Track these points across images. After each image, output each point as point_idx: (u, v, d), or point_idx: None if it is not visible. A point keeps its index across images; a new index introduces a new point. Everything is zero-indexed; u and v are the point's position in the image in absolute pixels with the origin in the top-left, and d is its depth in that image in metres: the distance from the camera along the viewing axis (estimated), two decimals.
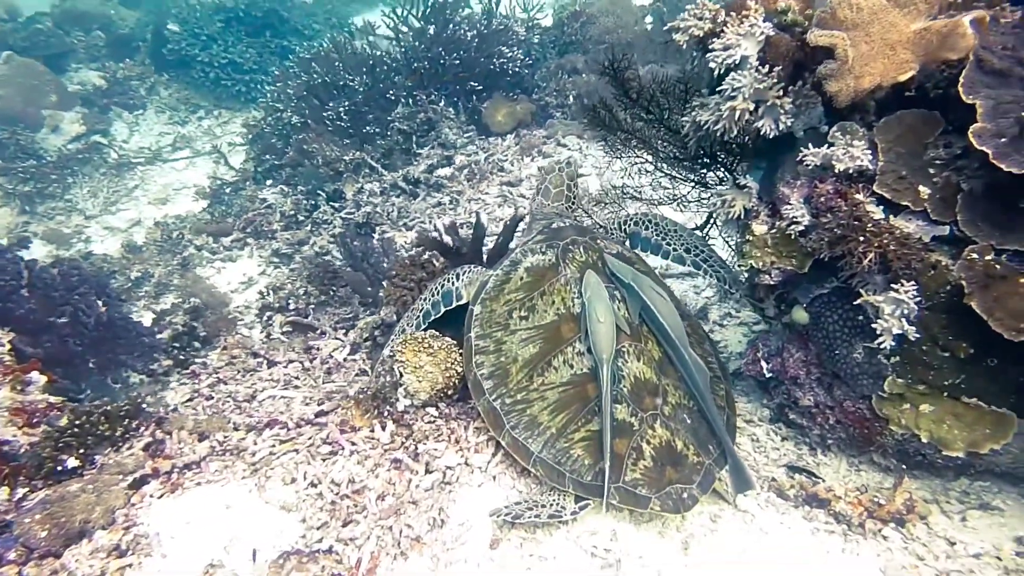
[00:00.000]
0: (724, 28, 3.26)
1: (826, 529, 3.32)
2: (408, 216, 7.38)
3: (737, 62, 3.17)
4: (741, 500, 3.53)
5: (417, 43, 8.96)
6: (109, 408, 3.55)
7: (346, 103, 8.47)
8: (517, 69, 9.09)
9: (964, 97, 2.81)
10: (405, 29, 9.15)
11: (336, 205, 7.80)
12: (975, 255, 2.77)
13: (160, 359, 4.84)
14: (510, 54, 9.01)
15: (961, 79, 2.85)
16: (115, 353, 4.66)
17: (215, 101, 11.75)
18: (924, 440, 3.12)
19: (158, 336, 5.03)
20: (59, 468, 3.33)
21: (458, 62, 8.74)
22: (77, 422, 3.44)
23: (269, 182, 8.80)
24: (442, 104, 8.60)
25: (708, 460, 3.31)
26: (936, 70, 3.06)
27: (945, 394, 3.07)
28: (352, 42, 9.49)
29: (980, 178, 2.87)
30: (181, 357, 4.96)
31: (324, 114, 8.49)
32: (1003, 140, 2.66)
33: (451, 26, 8.94)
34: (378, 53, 9.15)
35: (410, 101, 8.51)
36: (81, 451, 3.39)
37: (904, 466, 3.41)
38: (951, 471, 3.38)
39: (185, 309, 5.62)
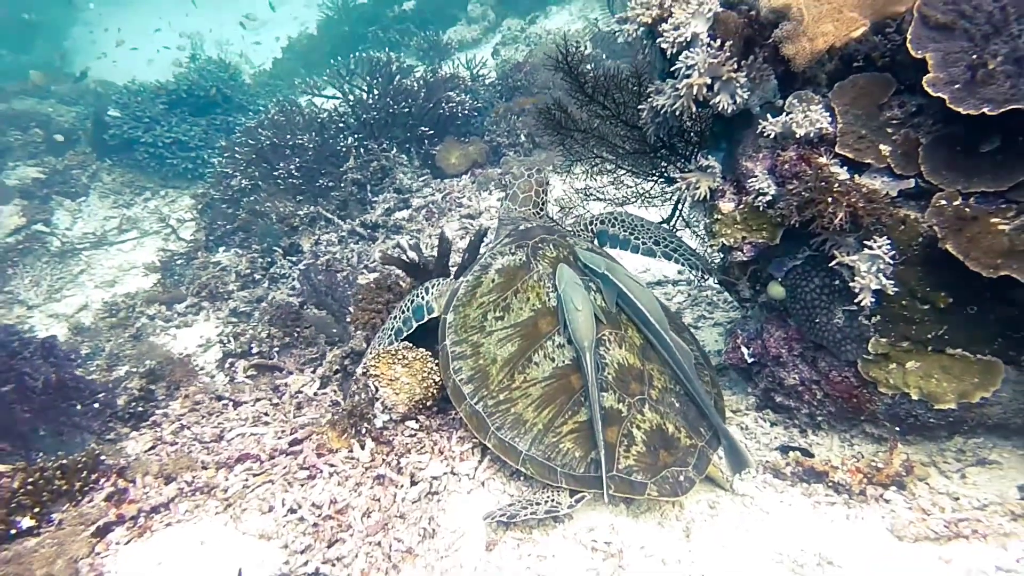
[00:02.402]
0: (671, 12, 3.28)
1: (827, 501, 3.25)
2: (369, 259, 7.28)
3: (689, 40, 3.18)
4: (738, 484, 3.44)
5: (365, 96, 9.08)
6: (65, 462, 3.31)
7: (297, 161, 8.49)
8: (466, 113, 9.32)
9: (913, 52, 2.85)
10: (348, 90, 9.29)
11: (294, 259, 7.68)
12: (943, 201, 2.78)
13: (116, 427, 4.53)
14: (458, 99, 9.25)
15: (908, 35, 2.89)
16: (68, 416, 4.38)
17: (161, 181, 11.61)
18: (914, 397, 3.09)
19: (116, 392, 4.75)
20: (12, 531, 3.07)
21: (407, 110, 8.89)
22: (30, 480, 3.19)
23: (222, 248, 8.64)
24: (394, 152, 8.67)
25: (701, 442, 3.22)
26: (879, 42, 3.11)
27: (930, 348, 3.06)
28: (298, 104, 9.58)
29: (938, 131, 2.91)
30: (140, 409, 4.67)
31: (275, 174, 8.48)
32: (956, 86, 2.70)
33: (397, 78, 9.11)
34: (325, 113, 9.26)
35: (361, 151, 8.53)
36: (36, 510, 3.13)
37: (897, 428, 3.36)
38: (944, 430, 3.33)
39: (140, 373, 5.28)
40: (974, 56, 2.68)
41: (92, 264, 9.68)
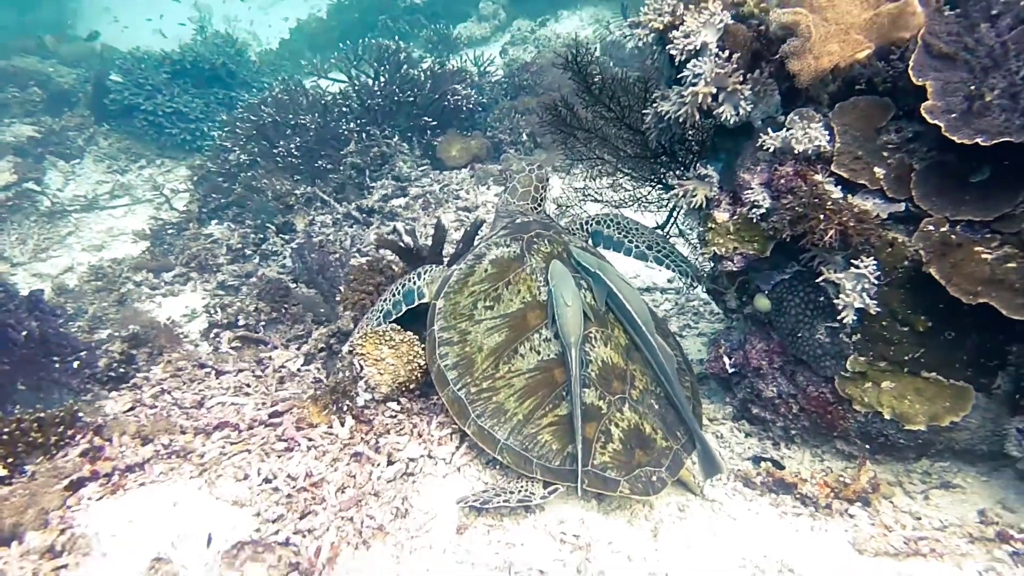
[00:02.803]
0: (683, 20, 3.34)
1: (794, 512, 3.31)
2: (362, 243, 7.28)
3: (697, 49, 3.24)
4: (709, 490, 3.50)
5: (371, 82, 9.09)
6: (43, 415, 3.30)
7: (298, 140, 8.47)
8: (470, 107, 9.35)
9: (914, 79, 2.92)
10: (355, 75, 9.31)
11: (286, 237, 7.67)
12: (931, 227, 2.85)
13: (94, 388, 4.51)
14: (464, 92, 9.27)
15: (911, 62, 2.96)
16: (48, 372, 4.35)
17: (158, 150, 11.54)
18: (887, 416, 3.15)
19: (97, 353, 4.72)
20: None
21: (412, 99, 8.90)
22: (6, 430, 3.18)
23: (215, 222, 8.60)
24: (396, 140, 8.68)
25: (676, 445, 3.27)
26: (882, 68, 3.19)
27: (906, 370, 3.13)
28: (303, 85, 9.58)
29: (931, 158, 2.98)
30: (121, 371, 4.65)
31: (275, 151, 8.47)
32: (953, 115, 2.77)
33: (404, 67, 9.13)
34: (330, 95, 9.28)
35: (363, 137, 8.53)
36: (9, 460, 3.11)
37: (868, 447, 3.43)
38: (912, 451, 3.41)
39: (123, 337, 5.26)
40: (972, 87, 2.75)
41: (81, 227, 9.59)
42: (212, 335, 5.16)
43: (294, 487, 3.07)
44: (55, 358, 4.14)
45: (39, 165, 10.76)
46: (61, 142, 11.27)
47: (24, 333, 4.06)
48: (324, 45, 16.79)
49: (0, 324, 4.03)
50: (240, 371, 4.25)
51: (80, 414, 3.39)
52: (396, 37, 11.35)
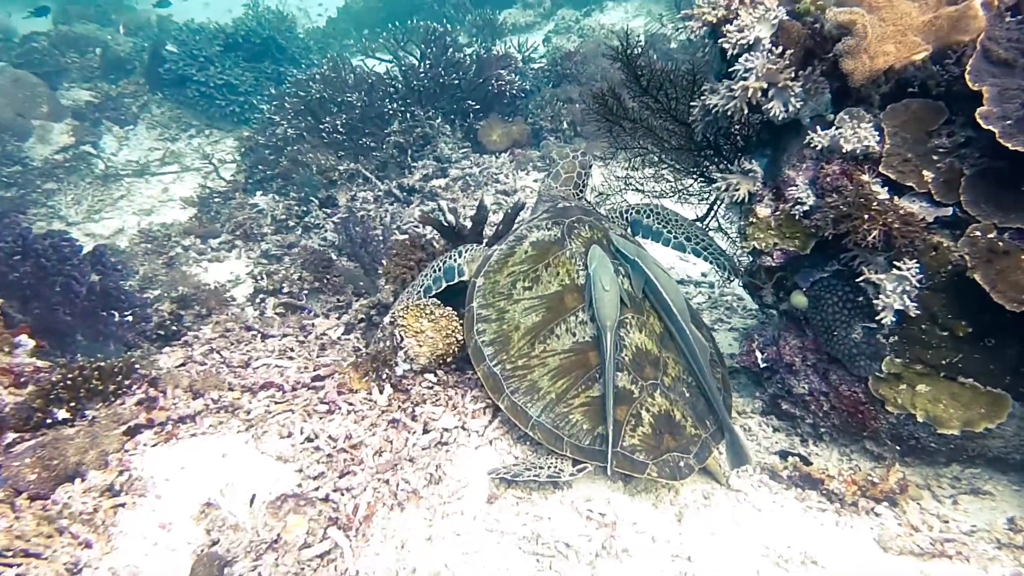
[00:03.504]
0: (737, 14, 3.36)
1: (819, 507, 3.35)
2: (402, 220, 7.41)
3: (750, 44, 3.26)
4: (734, 480, 3.55)
5: (417, 64, 9.22)
6: (103, 364, 3.48)
7: (344, 117, 8.63)
8: (514, 93, 9.41)
9: (970, 84, 2.91)
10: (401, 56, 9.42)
11: (328, 211, 7.84)
12: (978, 232, 2.85)
13: (143, 344, 4.72)
14: (508, 78, 9.34)
15: (968, 67, 2.95)
16: (105, 324, 4.57)
17: (207, 121, 11.85)
18: (920, 419, 3.17)
19: (148, 311, 4.92)
20: (48, 420, 3.25)
21: (457, 83, 9.00)
22: (70, 376, 3.36)
23: (260, 192, 8.81)
24: (439, 121, 8.78)
25: (705, 434, 3.33)
26: (936, 72, 3.17)
27: (942, 374, 3.13)
28: (350, 63, 9.73)
29: (982, 164, 2.97)
30: (173, 329, 4.85)
31: (321, 127, 8.64)
32: (1008, 122, 2.76)
33: (450, 51, 9.23)
34: (375, 75, 9.43)
35: (408, 117, 8.65)
36: (72, 404, 3.30)
37: (898, 448, 3.45)
38: (943, 456, 3.42)
39: (172, 298, 5.46)
40: None
41: (132, 191, 9.93)
42: (258, 300, 5.33)
43: (334, 447, 3.20)
44: (113, 312, 4.33)
45: (96, 129, 11.15)
46: (117, 108, 11.65)
47: (86, 287, 4.24)
48: (370, 25, 16.91)
49: (65, 276, 4.22)
50: (285, 336, 4.40)
51: (136, 366, 3.56)
52: (444, 20, 11.43)
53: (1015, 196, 2.85)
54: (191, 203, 8.98)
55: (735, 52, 3.32)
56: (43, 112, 10.87)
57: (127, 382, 3.48)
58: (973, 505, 3.27)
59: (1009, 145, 2.69)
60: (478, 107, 9.04)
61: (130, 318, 4.39)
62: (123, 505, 2.80)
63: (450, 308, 3.83)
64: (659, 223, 4.32)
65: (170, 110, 11.83)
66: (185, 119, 11.81)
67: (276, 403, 3.55)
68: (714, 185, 3.80)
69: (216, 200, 8.80)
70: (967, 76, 2.93)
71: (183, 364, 4.00)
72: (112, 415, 3.18)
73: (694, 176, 4.38)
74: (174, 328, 4.71)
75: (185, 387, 3.54)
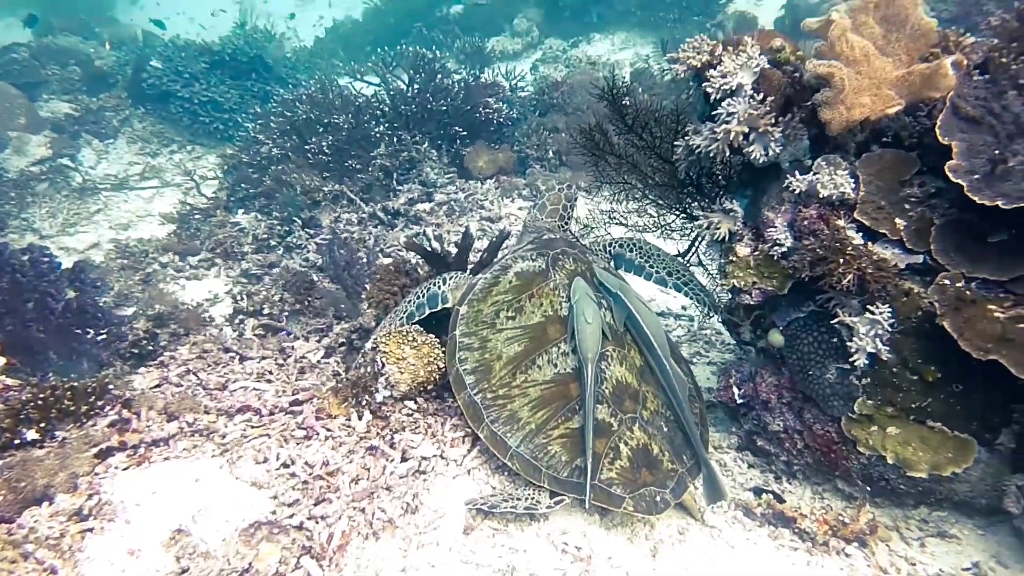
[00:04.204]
0: (721, 60, 3.47)
1: (791, 546, 3.39)
2: (385, 244, 7.42)
3: (733, 89, 3.37)
4: (709, 516, 3.58)
5: (405, 88, 9.32)
6: (76, 385, 3.43)
7: (330, 139, 8.67)
8: (501, 120, 9.55)
9: (940, 138, 3.03)
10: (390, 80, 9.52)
11: (311, 232, 7.84)
12: (947, 281, 2.95)
13: (116, 364, 4.64)
14: (496, 106, 9.50)
15: (938, 122, 3.08)
16: (80, 343, 4.49)
17: (190, 137, 11.81)
18: (890, 461, 3.23)
19: (123, 329, 4.85)
20: (16, 441, 3.19)
21: (444, 108, 9.11)
22: (41, 396, 3.31)
23: (241, 211, 8.77)
24: (425, 146, 8.86)
25: (682, 468, 3.36)
26: (909, 123, 3.32)
27: (912, 417, 3.21)
28: (338, 85, 9.80)
29: (951, 215, 3.08)
30: (149, 349, 4.79)
31: (306, 147, 8.68)
32: (976, 176, 2.87)
33: (439, 76, 9.35)
34: (363, 98, 9.50)
35: (394, 140, 8.72)
36: (42, 424, 3.24)
37: (868, 489, 3.51)
38: (911, 498, 3.48)
39: (148, 316, 5.38)
40: (996, 152, 2.86)
41: (110, 205, 9.83)
42: (237, 321, 5.29)
43: (310, 474, 3.18)
44: (88, 330, 4.27)
45: (74, 142, 11.04)
46: (97, 121, 11.56)
47: (61, 303, 4.18)
48: (357, 47, 17.08)
49: (41, 292, 4.16)
50: (263, 358, 4.38)
51: (110, 386, 3.52)
52: (433, 47, 11.56)
53: (982, 247, 2.96)
54: (170, 219, 8.90)
55: (718, 96, 3.42)
56: (20, 124, 10.76)
57: (100, 403, 3.43)
58: (940, 548, 3.33)
59: (976, 199, 2.80)
60: (465, 133, 9.13)
61: (105, 336, 4.32)
62: (91, 530, 2.75)
63: (432, 335, 3.85)
64: (641, 257, 4.40)
65: (152, 125, 11.76)
66: (167, 134, 11.75)
67: (252, 427, 3.52)
68: (696, 223, 3.89)
69: (196, 217, 8.74)
70: (937, 131, 3.05)
71: (159, 385, 3.96)
72: (84, 437, 3.13)
73: (676, 213, 4.47)
74: (149, 347, 4.65)
75: (160, 409, 3.50)
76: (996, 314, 2.85)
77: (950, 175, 2.92)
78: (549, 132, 9.63)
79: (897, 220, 3.17)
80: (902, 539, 3.45)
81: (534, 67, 14.36)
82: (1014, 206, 2.71)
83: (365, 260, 5.86)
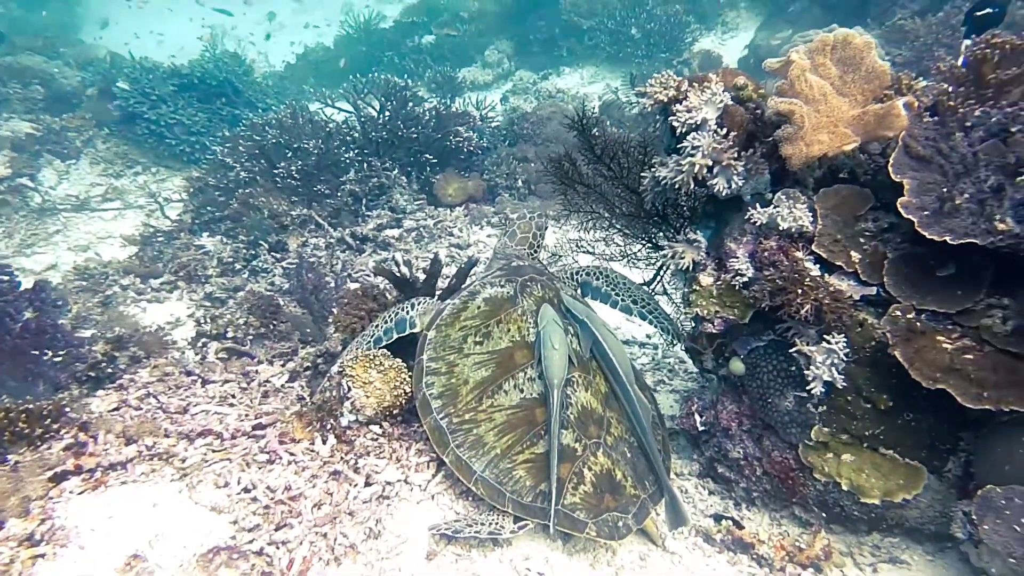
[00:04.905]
0: (687, 95, 3.60)
1: (749, 572, 3.44)
2: (353, 269, 7.39)
3: (698, 124, 3.49)
4: (669, 543, 3.62)
5: (376, 115, 9.39)
6: (31, 407, 3.35)
7: (299, 163, 8.67)
8: (471, 149, 9.67)
9: (893, 175, 3.18)
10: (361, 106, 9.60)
11: (278, 256, 7.79)
12: (899, 312, 3.07)
13: (72, 388, 4.51)
14: (466, 135, 9.61)
15: (891, 160, 3.23)
16: (36, 364, 4.35)
17: (155, 159, 11.69)
18: (844, 488, 3.31)
19: (82, 351, 4.71)
20: None
21: (415, 136, 9.20)
22: None
23: (206, 234, 8.67)
24: (395, 172, 8.91)
25: (644, 494, 3.40)
26: (864, 161, 3.48)
27: (865, 444, 3.30)
28: (308, 110, 9.83)
29: (903, 249, 3.22)
30: (107, 371, 4.66)
31: (275, 172, 8.65)
32: (926, 212, 3.01)
33: (410, 104, 9.46)
34: (334, 123, 9.56)
35: (364, 166, 8.76)
36: None
37: (824, 515, 3.58)
38: (865, 524, 3.57)
39: (107, 339, 5.24)
40: (944, 190, 3.01)
41: (69, 226, 9.63)
42: (200, 344, 5.20)
43: (272, 499, 3.14)
44: (46, 351, 4.16)
45: (35, 162, 10.81)
46: (60, 141, 11.34)
47: (20, 324, 4.07)
48: (328, 74, 17.18)
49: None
50: (227, 382, 4.32)
51: (67, 409, 3.44)
52: (405, 75, 11.68)
53: (932, 281, 3.09)
54: (132, 241, 8.73)
55: (684, 130, 3.53)
56: None
57: (56, 426, 3.36)
58: (892, 574, 3.41)
59: (927, 234, 2.93)
60: (435, 161, 9.21)
61: (63, 358, 4.21)
62: (43, 555, 2.67)
63: (399, 360, 3.85)
64: (607, 285, 4.47)
65: (116, 146, 11.58)
66: (132, 156, 11.57)
67: (214, 451, 3.46)
68: (661, 252, 3.98)
69: (159, 239, 8.60)
70: (890, 168, 3.20)
71: (117, 408, 3.88)
72: (38, 460, 3.06)
73: (642, 242, 4.56)
74: (108, 370, 4.54)
75: (118, 432, 3.43)
76: (944, 345, 2.97)
77: (902, 211, 3.06)
78: (519, 162, 9.78)
79: (852, 253, 3.30)
80: (855, 565, 3.52)
81: (504, 98, 14.59)
82: (960, 241, 2.84)
83: (333, 284, 5.83)
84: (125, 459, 3.27)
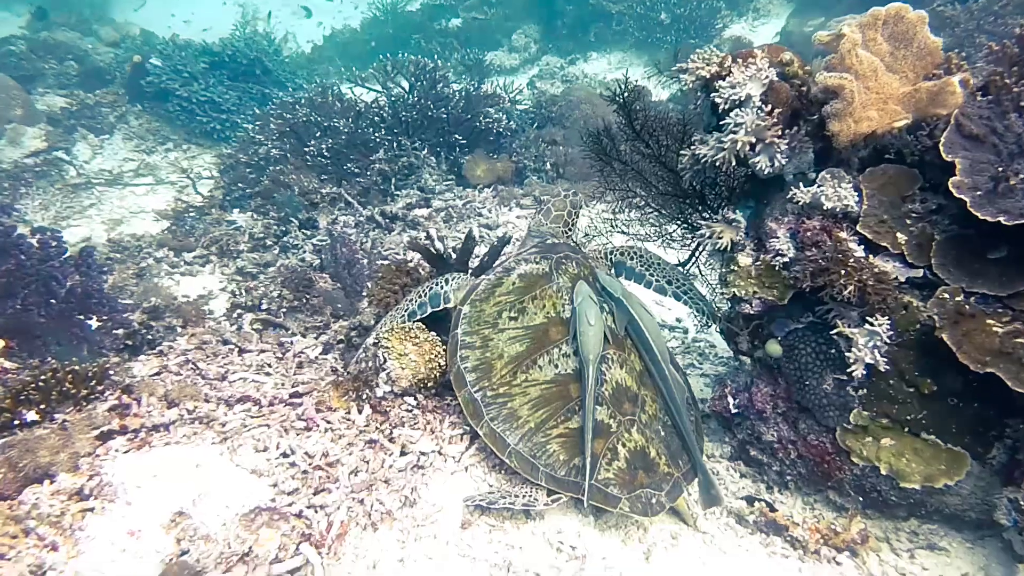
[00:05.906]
0: (730, 71, 3.54)
1: (782, 553, 3.42)
2: (382, 247, 7.43)
3: (742, 100, 3.43)
4: (701, 522, 3.60)
5: (406, 95, 9.40)
6: (77, 368, 3.42)
7: (329, 142, 8.70)
8: (500, 131, 9.61)
9: (944, 155, 3.11)
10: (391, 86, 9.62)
11: (308, 232, 7.84)
12: (947, 295, 3.01)
13: (109, 354, 4.58)
14: (496, 116, 9.57)
15: (942, 140, 3.15)
16: (81, 329, 4.43)
17: (186, 136, 11.78)
18: (883, 472, 3.28)
19: (123, 317, 4.79)
20: (16, 422, 3.16)
21: (444, 116, 9.18)
22: (42, 378, 3.29)
23: (237, 210, 8.75)
24: (424, 152, 8.91)
25: (678, 473, 3.39)
26: (911, 141, 3.40)
27: (906, 429, 3.26)
28: (339, 90, 9.84)
29: (952, 231, 3.16)
30: (148, 338, 4.75)
31: (305, 149, 8.70)
32: (979, 193, 2.94)
33: (439, 85, 9.45)
34: (363, 103, 9.56)
35: (394, 146, 8.77)
36: (42, 406, 3.22)
37: (860, 499, 3.55)
38: (903, 510, 3.52)
39: (144, 309, 5.32)
40: (999, 169, 2.94)
41: (103, 200, 9.77)
42: (235, 315, 5.27)
43: (310, 464, 3.18)
44: (91, 316, 4.23)
45: (70, 136, 10.99)
46: (93, 116, 11.49)
47: (65, 289, 4.14)
48: (355, 55, 17.15)
49: (44, 277, 4.10)
50: (262, 351, 4.37)
51: (110, 372, 3.50)
52: (436, 56, 11.66)
53: (982, 263, 3.03)
54: (165, 216, 8.86)
55: (726, 106, 3.48)
56: (16, 115, 10.72)
57: (100, 387, 3.42)
58: (929, 560, 3.37)
59: (979, 214, 2.87)
60: (464, 142, 9.19)
61: (106, 323, 4.28)
62: (92, 510, 2.73)
63: (434, 334, 3.86)
64: (642, 265, 4.44)
65: (148, 122, 11.71)
66: (163, 132, 11.70)
67: (252, 417, 3.51)
68: (698, 232, 3.94)
69: (191, 214, 8.71)
70: (941, 147, 3.12)
71: (158, 373, 3.94)
72: (85, 419, 3.11)
73: (678, 222, 4.52)
74: (148, 337, 4.62)
75: (160, 396, 3.49)
76: (994, 328, 2.91)
77: (953, 191, 2.99)
78: (547, 145, 9.73)
79: (899, 234, 3.24)
80: (892, 550, 3.48)
81: (531, 82, 14.50)
82: (1015, 223, 2.78)
83: (366, 261, 5.87)
84: (168, 421, 3.33)
